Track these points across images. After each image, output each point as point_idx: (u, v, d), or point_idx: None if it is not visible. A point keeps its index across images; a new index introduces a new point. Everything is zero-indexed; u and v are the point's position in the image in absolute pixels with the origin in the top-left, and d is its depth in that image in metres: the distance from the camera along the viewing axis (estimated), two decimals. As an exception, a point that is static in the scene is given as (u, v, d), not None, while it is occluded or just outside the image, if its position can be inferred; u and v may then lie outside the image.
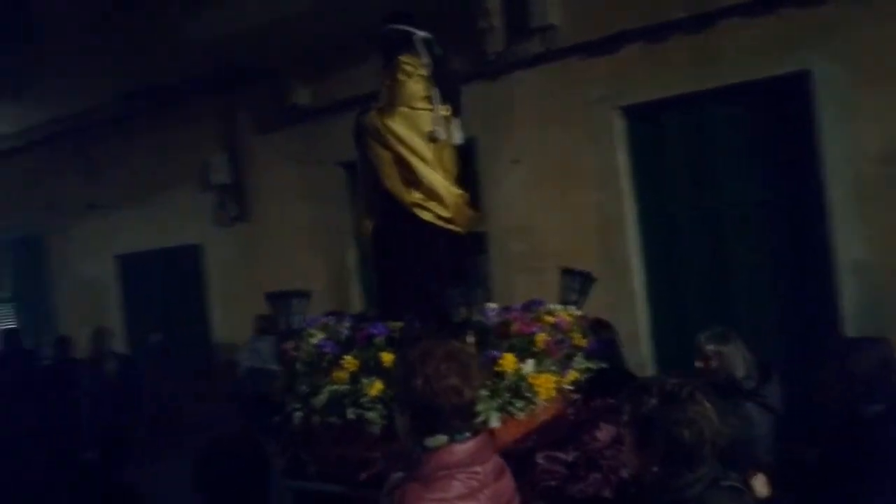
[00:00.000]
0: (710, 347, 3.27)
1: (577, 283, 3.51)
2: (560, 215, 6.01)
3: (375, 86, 3.64)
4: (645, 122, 5.80)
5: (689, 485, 2.10)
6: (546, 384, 2.94)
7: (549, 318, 3.25)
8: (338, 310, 4.47)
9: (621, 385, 2.46)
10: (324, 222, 7.22)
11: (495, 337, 3.04)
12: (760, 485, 2.68)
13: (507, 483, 2.21)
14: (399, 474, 2.15)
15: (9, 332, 9.16)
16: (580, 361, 3.31)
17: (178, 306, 8.44)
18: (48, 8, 9.36)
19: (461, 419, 2.10)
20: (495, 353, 2.92)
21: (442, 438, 2.06)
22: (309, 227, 7.38)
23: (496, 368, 2.88)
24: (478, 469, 2.07)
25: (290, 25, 6.46)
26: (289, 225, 7.58)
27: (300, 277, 6.70)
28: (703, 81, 5.41)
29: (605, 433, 2.94)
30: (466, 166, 6.30)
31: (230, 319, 7.86)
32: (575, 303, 3.52)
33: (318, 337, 3.16)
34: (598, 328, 3.88)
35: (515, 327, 3.06)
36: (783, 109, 5.25)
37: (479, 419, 2.78)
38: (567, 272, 3.57)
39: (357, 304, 7.00)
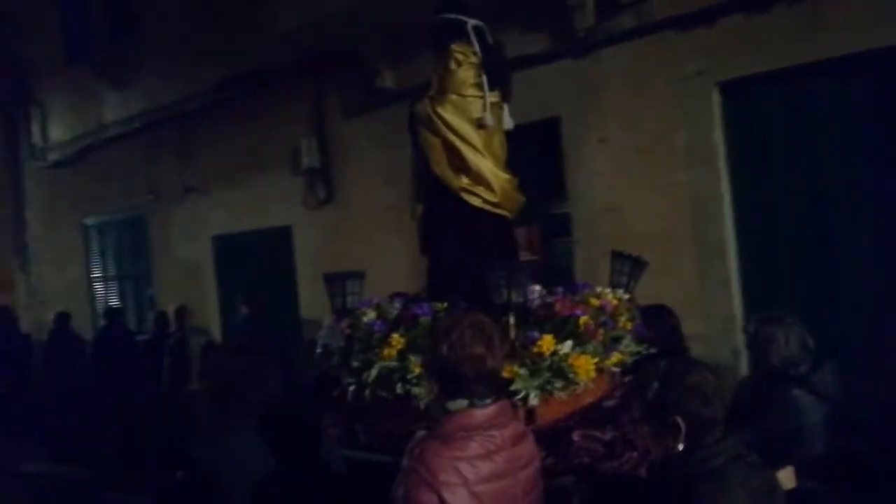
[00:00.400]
0: (748, 330, 3.41)
1: (626, 266, 3.74)
2: (650, 197, 6.13)
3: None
4: (743, 98, 5.82)
5: (712, 456, 2.27)
6: (586, 365, 3.22)
7: (595, 301, 3.53)
8: (411, 291, 4.85)
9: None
10: (408, 205, 7.63)
11: (537, 319, 3.36)
12: (786, 477, 2.82)
13: (526, 449, 2.47)
14: (422, 432, 2.47)
15: (111, 310, 10.28)
16: (628, 344, 3.57)
17: (268, 285, 9.12)
18: (149, 1, 10.36)
19: (483, 385, 2.37)
20: (534, 333, 3.23)
21: (462, 403, 2.35)
22: (394, 210, 7.79)
23: (535, 349, 3.20)
24: (495, 433, 2.34)
25: (375, 10, 6.90)
26: (374, 207, 8.05)
27: (384, 258, 7.17)
28: (806, 54, 5.38)
29: (645, 414, 3.20)
30: (551, 146, 6.67)
31: (317, 299, 8.42)
32: (624, 286, 3.76)
33: (370, 316, 3.59)
34: (660, 314, 4.06)
35: (557, 309, 3.37)
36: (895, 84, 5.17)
37: (519, 396, 3.13)
38: (617, 255, 3.81)
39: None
